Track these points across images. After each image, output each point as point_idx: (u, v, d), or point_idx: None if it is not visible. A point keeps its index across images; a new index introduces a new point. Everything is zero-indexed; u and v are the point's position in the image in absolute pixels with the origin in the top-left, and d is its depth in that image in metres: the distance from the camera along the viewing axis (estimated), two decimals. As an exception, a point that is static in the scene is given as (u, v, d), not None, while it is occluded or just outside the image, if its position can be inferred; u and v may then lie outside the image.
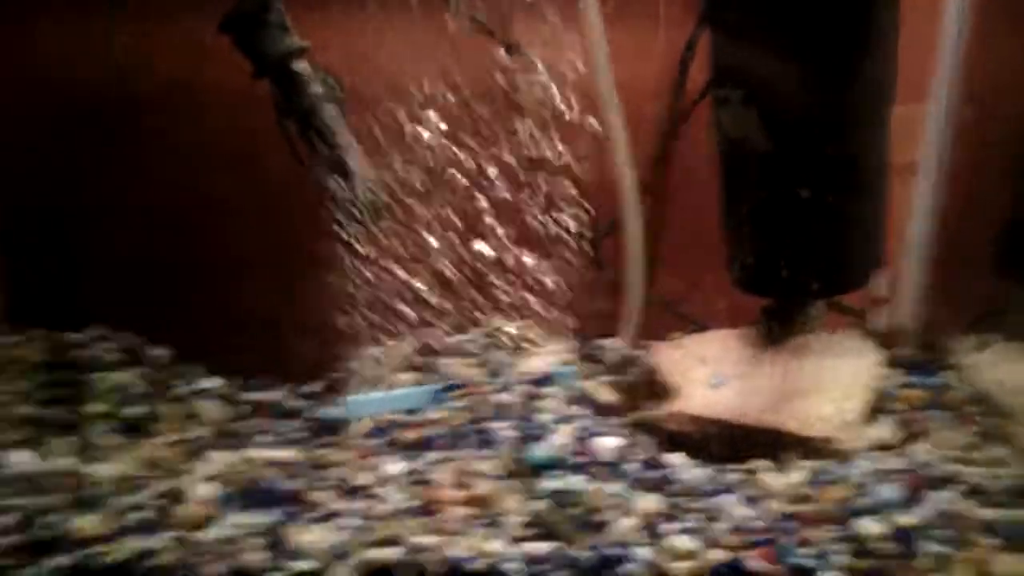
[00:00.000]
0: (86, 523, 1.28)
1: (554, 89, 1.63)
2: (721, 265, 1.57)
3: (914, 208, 1.62)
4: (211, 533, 1.28)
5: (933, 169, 1.62)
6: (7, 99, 1.78)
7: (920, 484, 1.26)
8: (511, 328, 1.74)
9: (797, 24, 1.36)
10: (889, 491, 1.25)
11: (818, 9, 1.35)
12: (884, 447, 1.35)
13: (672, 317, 1.78)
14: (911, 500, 1.24)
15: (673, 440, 1.47)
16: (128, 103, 1.77)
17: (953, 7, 1.61)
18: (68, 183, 1.80)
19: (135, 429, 1.58)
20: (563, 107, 1.64)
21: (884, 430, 1.38)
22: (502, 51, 1.64)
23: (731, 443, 1.41)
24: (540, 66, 1.64)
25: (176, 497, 1.37)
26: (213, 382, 1.75)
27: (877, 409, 1.43)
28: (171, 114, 1.78)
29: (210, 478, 1.41)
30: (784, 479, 1.33)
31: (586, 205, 1.70)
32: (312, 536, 1.28)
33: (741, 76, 1.42)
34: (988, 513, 1.21)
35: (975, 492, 1.24)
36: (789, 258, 1.45)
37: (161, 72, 1.77)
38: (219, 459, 1.48)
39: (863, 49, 1.39)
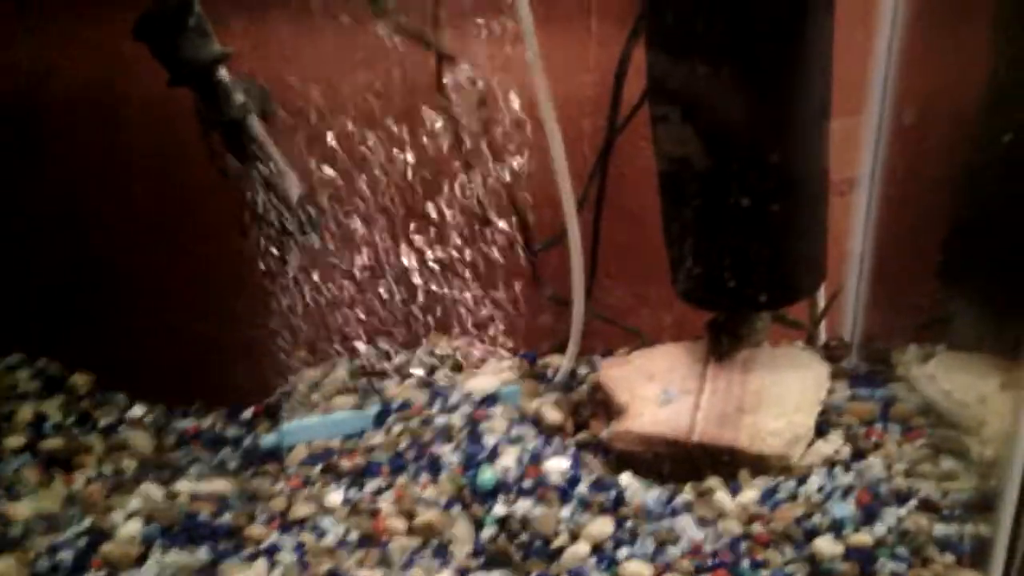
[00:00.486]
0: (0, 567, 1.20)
1: (489, 102, 1.60)
2: (663, 278, 1.56)
3: (853, 219, 1.63)
4: (141, 574, 1.21)
5: (871, 180, 1.63)
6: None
7: (872, 500, 1.25)
8: (451, 347, 1.70)
9: (729, 38, 1.35)
10: (843, 508, 1.24)
11: (750, 23, 1.34)
12: (835, 462, 1.34)
13: (616, 331, 1.76)
14: (865, 517, 1.23)
15: (622, 460, 1.44)
16: (40, 111, 1.69)
17: (886, 16, 1.63)
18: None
19: (56, 463, 1.50)
20: (499, 120, 1.61)
21: (834, 445, 1.37)
22: (434, 60, 1.60)
23: (682, 462, 1.39)
24: (475, 78, 1.61)
25: (101, 535, 1.30)
26: (139, 410, 1.67)
27: (826, 423, 1.41)
28: (86, 124, 1.70)
29: (137, 514, 1.34)
30: (737, 498, 1.30)
31: (524, 219, 1.67)
32: (249, 573, 1.22)
33: (676, 93, 1.41)
34: (943, 528, 1.20)
35: (929, 507, 1.24)
36: (734, 270, 1.43)
37: (74, 79, 1.68)
38: (147, 493, 1.40)
39: (796, 62, 1.38)
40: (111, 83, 1.67)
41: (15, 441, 1.51)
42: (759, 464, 1.36)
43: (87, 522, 1.33)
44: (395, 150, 1.59)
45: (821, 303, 1.67)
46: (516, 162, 1.65)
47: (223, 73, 1.50)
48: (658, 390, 1.49)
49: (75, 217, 1.73)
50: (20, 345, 1.73)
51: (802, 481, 1.31)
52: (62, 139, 1.71)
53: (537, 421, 1.54)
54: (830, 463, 1.35)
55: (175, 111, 1.54)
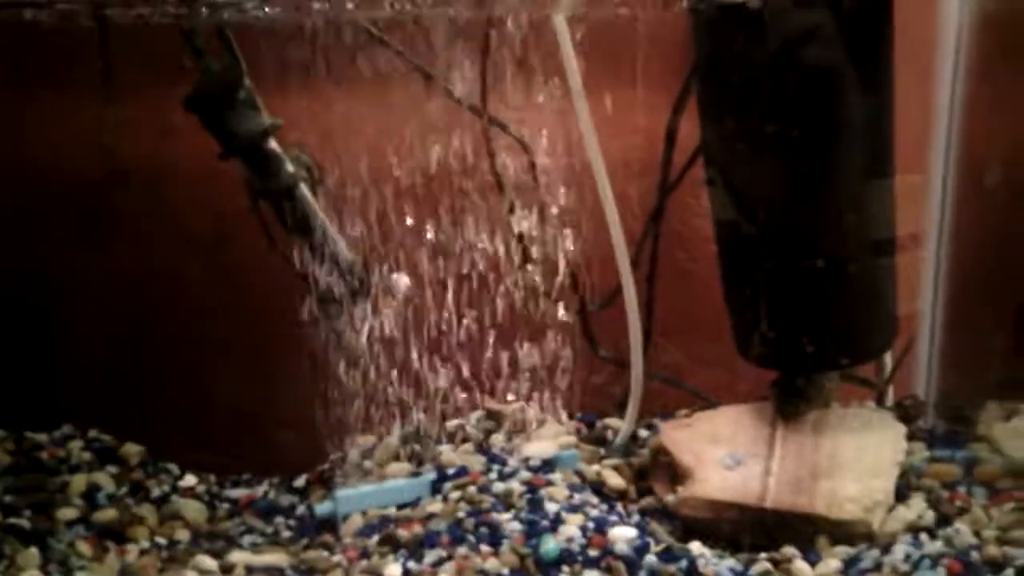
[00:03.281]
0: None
1: (539, 166, 1.60)
2: (719, 336, 1.53)
3: (922, 275, 1.60)
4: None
5: (938, 235, 1.61)
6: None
7: (964, 569, 1.19)
8: (508, 411, 1.67)
9: (783, 102, 1.35)
10: (933, 578, 1.18)
11: (804, 85, 1.35)
12: (919, 528, 1.28)
13: (675, 392, 1.72)
14: (957, 587, 1.17)
15: (690, 527, 1.39)
16: (97, 185, 1.71)
17: (946, 72, 1.61)
18: (35, 272, 1.72)
19: (109, 534, 1.48)
20: (548, 184, 1.61)
21: (916, 510, 1.31)
22: (485, 127, 1.60)
23: (754, 529, 1.33)
24: (525, 143, 1.60)
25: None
26: (191, 479, 1.65)
27: (906, 487, 1.36)
28: (139, 195, 1.72)
29: (192, 588, 1.31)
30: (818, 568, 1.25)
31: (578, 281, 1.65)
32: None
33: (742, 159, 1.41)
34: (1043, 599, 1.14)
35: (1025, 576, 1.17)
36: (808, 331, 1.41)
37: (130, 151, 1.70)
38: (201, 565, 1.37)
39: (853, 123, 1.38)
40: (161, 156, 1.69)
41: (69, 513, 1.50)
42: (838, 531, 1.30)
43: (142, 596, 1.31)
44: (447, 216, 1.58)
45: (889, 361, 1.62)
46: (568, 224, 1.63)
47: (272, 144, 1.51)
48: (724, 453, 1.44)
49: (127, 290, 1.74)
50: (72, 417, 1.72)
51: (886, 550, 1.26)
52: (115, 214, 1.73)
53: (599, 486, 1.51)
54: (914, 529, 1.29)
55: (225, 183, 1.56)
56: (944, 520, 1.30)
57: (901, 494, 1.36)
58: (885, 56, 1.40)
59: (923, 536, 1.27)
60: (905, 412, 1.56)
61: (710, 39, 1.42)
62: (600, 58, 1.56)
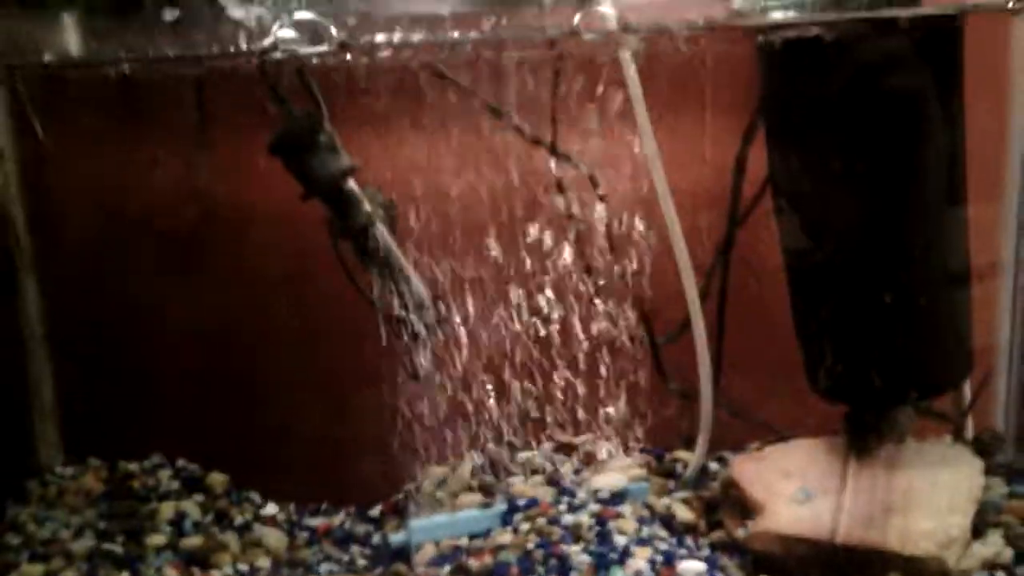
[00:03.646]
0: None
1: (605, 197, 1.61)
2: (790, 369, 1.52)
3: (999, 305, 1.56)
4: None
5: (1015, 265, 1.57)
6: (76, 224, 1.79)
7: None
8: (578, 443, 1.68)
9: (854, 132, 1.34)
10: (1011, 617, 1.15)
11: (876, 115, 1.34)
12: (996, 566, 1.25)
13: (745, 426, 1.71)
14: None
15: (760, 562, 1.38)
16: (186, 228, 1.78)
17: (1019, 99, 1.59)
18: (122, 307, 1.80)
19: (195, 561, 1.53)
20: (618, 215, 1.62)
21: (994, 547, 1.28)
22: (552, 161, 1.63)
23: (825, 565, 1.32)
24: (592, 175, 1.62)
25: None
26: (272, 508, 1.70)
27: (983, 523, 1.32)
28: (226, 235, 1.78)
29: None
30: (890, 605, 1.23)
31: (646, 313, 1.66)
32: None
33: (810, 191, 1.41)
34: None
35: (1107, 617, 1.14)
36: (880, 365, 1.39)
37: (216, 195, 1.78)
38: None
39: (923, 151, 1.36)
40: (246, 198, 1.76)
41: (158, 539, 1.55)
42: (911, 568, 1.28)
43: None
44: (518, 249, 1.61)
45: (967, 394, 1.59)
46: (636, 256, 1.65)
47: (351, 184, 1.57)
48: (795, 488, 1.43)
49: (214, 325, 1.79)
50: (160, 447, 1.78)
51: (962, 587, 1.23)
52: (205, 253, 1.79)
53: (668, 520, 1.50)
54: (991, 567, 1.26)
55: (307, 223, 1.62)
56: (1022, 557, 1.26)
57: (978, 531, 1.32)
58: (956, 83, 1.39)
59: (1000, 574, 1.24)
60: (983, 446, 1.52)
61: (778, 70, 1.42)
62: (669, 89, 1.58)
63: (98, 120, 1.71)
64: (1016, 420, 1.56)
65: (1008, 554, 1.27)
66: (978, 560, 1.27)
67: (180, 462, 1.76)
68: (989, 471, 1.43)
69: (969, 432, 1.59)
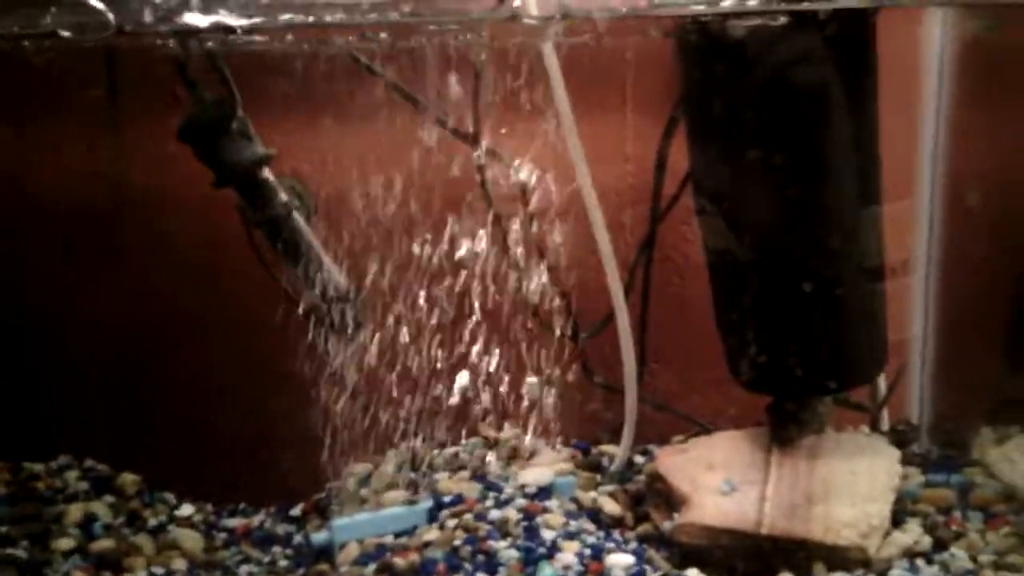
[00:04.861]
0: None
1: (530, 192, 1.61)
2: (712, 362, 1.53)
3: (913, 300, 1.61)
4: None
5: (927, 261, 1.62)
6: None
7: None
8: (502, 437, 1.67)
9: (769, 127, 1.36)
10: (931, 604, 1.18)
11: (790, 110, 1.35)
12: (915, 554, 1.28)
13: (669, 419, 1.72)
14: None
15: (687, 554, 1.39)
16: (94, 213, 1.71)
17: (931, 98, 1.63)
18: (32, 302, 1.73)
19: (107, 565, 1.48)
20: (541, 211, 1.61)
21: (912, 535, 1.31)
22: (476, 154, 1.61)
23: (751, 555, 1.33)
24: (516, 170, 1.62)
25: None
26: (188, 509, 1.65)
27: (901, 511, 1.36)
28: (135, 226, 1.72)
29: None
30: (815, 594, 1.25)
31: (571, 308, 1.66)
32: None
33: (728, 186, 1.42)
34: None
35: (1021, 601, 1.18)
36: (800, 356, 1.41)
37: (129, 183, 1.71)
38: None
39: (840, 148, 1.39)
40: (157, 185, 1.70)
41: (66, 543, 1.49)
42: (834, 557, 1.30)
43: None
44: (439, 244, 1.59)
45: (883, 386, 1.63)
46: (560, 252, 1.64)
47: (266, 173, 1.52)
48: (720, 479, 1.44)
49: (120, 318, 1.74)
50: (67, 447, 1.72)
51: (883, 575, 1.25)
52: (112, 243, 1.73)
53: (595, 513, 1.50)
54: (910, 555, 1.29)
55: (219, 211, 1.56)
56: (940, 545, 1.30)
57: (897, 519, 1.36)
58: (869, 81, 1.41)
59: (919, 561, 1.27)
60: (899, 437, 1.56)
61: (695, 65, 1.43)
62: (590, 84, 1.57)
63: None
64: (930, 411, 1.60)
65: (927, 542, 1.31)
66: (898, 548, 1.30)
67: (89, 462, 1.70)
68: (906, 461, 1.47)
69: (885, 423, 1.63)
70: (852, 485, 1.37)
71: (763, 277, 1.42)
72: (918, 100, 1.69)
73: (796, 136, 1.36)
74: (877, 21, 1.38)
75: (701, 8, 1.34)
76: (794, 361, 1.41)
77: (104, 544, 1.51)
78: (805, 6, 1.31)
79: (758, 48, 1.33)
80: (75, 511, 1.56)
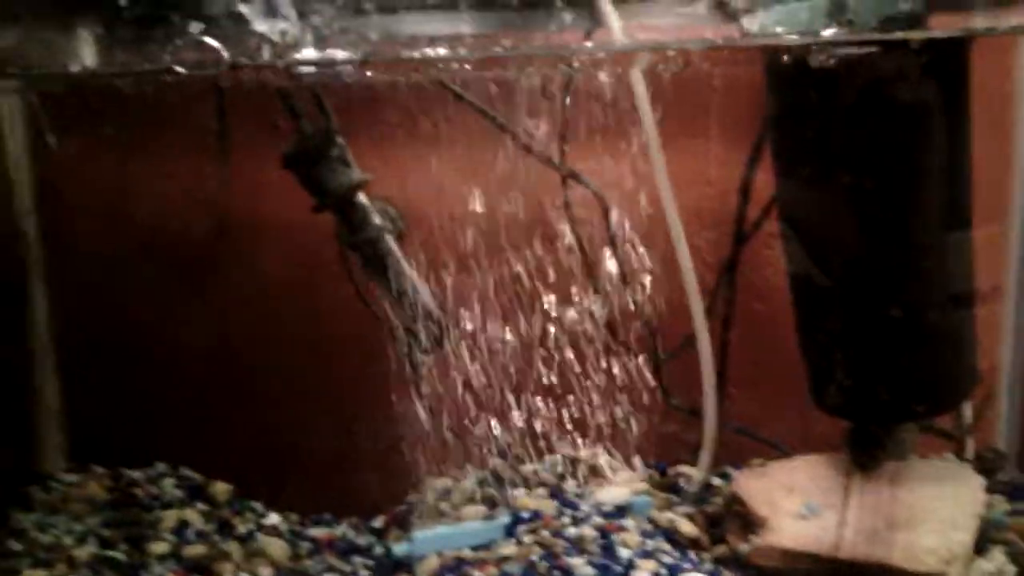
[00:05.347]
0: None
1: (614, 217, 1.62)
2: (793, 387, 1.52)
3: (1002, 326, 1.57)
4: None
5: (1018, 286, 1.58)
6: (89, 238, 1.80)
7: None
8: (581, 457, 1.68)
9: (858, 151, 1.35)
10: (1014, 633, 1.15)
11: (881, 134, 1.35)
12: (1000, 583, 1.25)
13: (747, 442, 1.71)
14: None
15: (764, 577, 1.38)
16: (194, 239, 1.79)
17: (1022, 125, 1.60)
18: (130, 318, 1.80)
19: (198, 569, 1.52)
20: (624, 233, 1.63)
21: (996, 563, 1.28)
22: (561, 180, 1.64)
23: (830, 580, 1.32)
24: (600, 195, 1.64)
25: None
26: (275, 518, 1.70)
27: (985, 540, 1.33)
28: (233, 250, 1.78)
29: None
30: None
31: (651, 330, 1.67)
32: None
33: (805, 213, 1.41)
34: None
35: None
36: (886, 382, 1.39)
37: (228, 206, 1.79)
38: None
39: (931, 173, 1.37)
40: (257, 211, 1.76)
41: (161, 547, 1.54)
42: (914, 583, 1.28)
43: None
44: (524, 266, 1.62)
45: (969, 413, 1.59)
46: (642, 274, 1.66)
47: (361, 197, 1.58)
48: (798, 503, 1.43)
49: (220, 335, 1.79)
50: (164, 455, 1.78)
51: (965, 603, 1.23)
52: (213, 264, 1.79)
53: (671, 534, 1.50)
54: (994, 583, 1.26)
55: (316, 235, 1.62)
56: (1025, 574, 1.27)
57: (980, 547, 1.33)
58: (962, 106, 1.39)
59: (1004, 590, 1.24)
60: (985, 464, 1.52)
61: (787, 91, 1.44)
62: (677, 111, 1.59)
63: (113, 133, 1.72)
64: (1018, 439, 1.56)
65: (1011, 571, 1.28)
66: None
67: (183, 471, 1.76)
68: (991, 489, 1.43)
69: (970, 451, 1.59)
70: (935, 511, 1.35)
71: (852, 301, 1.41)
72: (1011, 126, 1.66)
73: (886, 159, 1.35)
74: (971, 49, 1.37)
75: (795, 39, 1.35)
76: (881, 387, 1.40)
77: (196, 550, 1.55)
78: (899, 36, 1.31)
79: (851, 74, 1.33)
80: (170, 517, 1.61)
